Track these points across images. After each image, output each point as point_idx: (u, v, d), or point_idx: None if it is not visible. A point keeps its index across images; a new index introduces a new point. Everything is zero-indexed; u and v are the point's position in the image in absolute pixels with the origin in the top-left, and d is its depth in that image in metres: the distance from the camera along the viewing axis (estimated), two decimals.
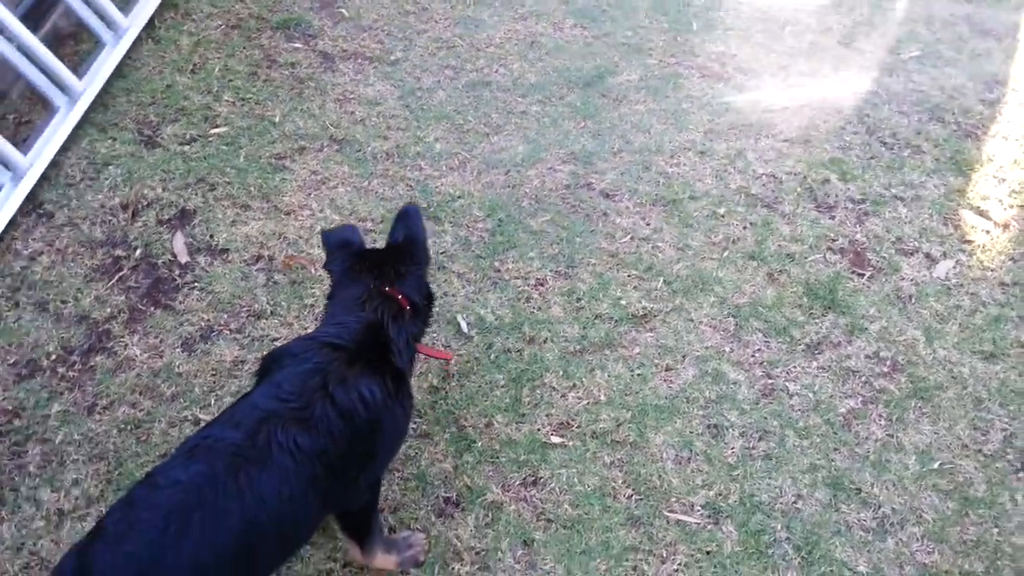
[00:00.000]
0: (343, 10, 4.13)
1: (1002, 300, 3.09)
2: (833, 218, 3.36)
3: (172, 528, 1.63)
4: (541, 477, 2.60)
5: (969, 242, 3.27)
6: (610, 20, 4.19)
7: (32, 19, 3.58)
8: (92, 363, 2.79)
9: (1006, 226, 3.33)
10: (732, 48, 4.08)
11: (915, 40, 4.14)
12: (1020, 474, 2.64)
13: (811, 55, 4.05)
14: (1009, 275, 3.16)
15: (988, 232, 3.31)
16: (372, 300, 2.15)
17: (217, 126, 3.53)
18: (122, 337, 2.86)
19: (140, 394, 2.72)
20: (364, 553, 2.28)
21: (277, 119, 3.58)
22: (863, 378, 2.87)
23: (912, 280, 3.15)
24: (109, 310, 2.92)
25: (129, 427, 2.64)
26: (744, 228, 3.31)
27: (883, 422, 2.77)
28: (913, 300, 3.09)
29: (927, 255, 3.24)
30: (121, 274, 3.03)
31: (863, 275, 3.17)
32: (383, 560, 2.31)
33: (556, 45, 4.03)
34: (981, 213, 3.37)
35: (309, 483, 1.80)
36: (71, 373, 2.76)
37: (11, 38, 3.28)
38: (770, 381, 2.86)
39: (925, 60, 4.03)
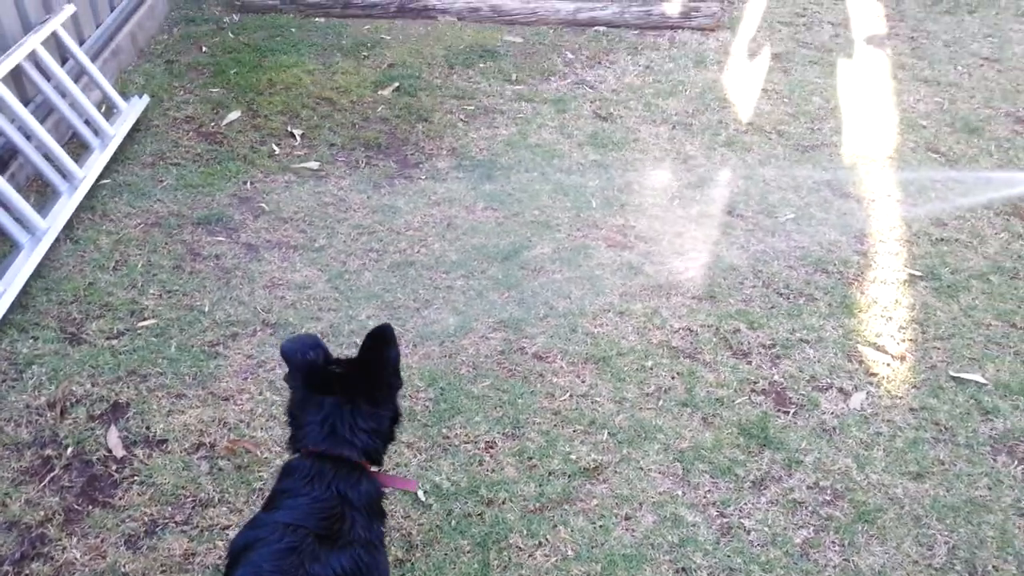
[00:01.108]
0: (263, 204, 4.27)
1: (915, 424, 3.34)
2: (750, 363, 3.59)
3: None
4: None
5: (874, 375, 3.56)
6: (517, 202, 4.49)
7: None
8: (27, 572, 2.58)
9: (903, 358, 3.65)
10: (631, 220, 4.44)
11: (788, 205, 4.63)
12: None
13: (700, 222, 4.45)
14: (916, 401, 3.44)
15: (889, 364, 3.61)
16: (325, 474, 2.12)
17: (145, 319, 3.50)
18: (59, 540, 2.67)
19: None
20: None
21: (207, 308, 3.58)
22: (810, 508, 3.00)
23: (832, 413, 3.38)
24: (42, 513, 2.74)
25: None
26: (672, 378, 3.49)
27: (837, 548, 2.87)
28: (837, 431, 3.30)
29: (840, 389, 3.49)
30: (53, 474, 2.87)
31: (788, 412, 3.38)
32: None
33: (471, 226, 4.28)
34: (879, 348, 3.70)
35: None
36: None
37: None
38: (725, 520, 2.94)
39: (800, 221, 4.50)
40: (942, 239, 4.41)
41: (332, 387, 2.19)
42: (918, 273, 4.15)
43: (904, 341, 3.74)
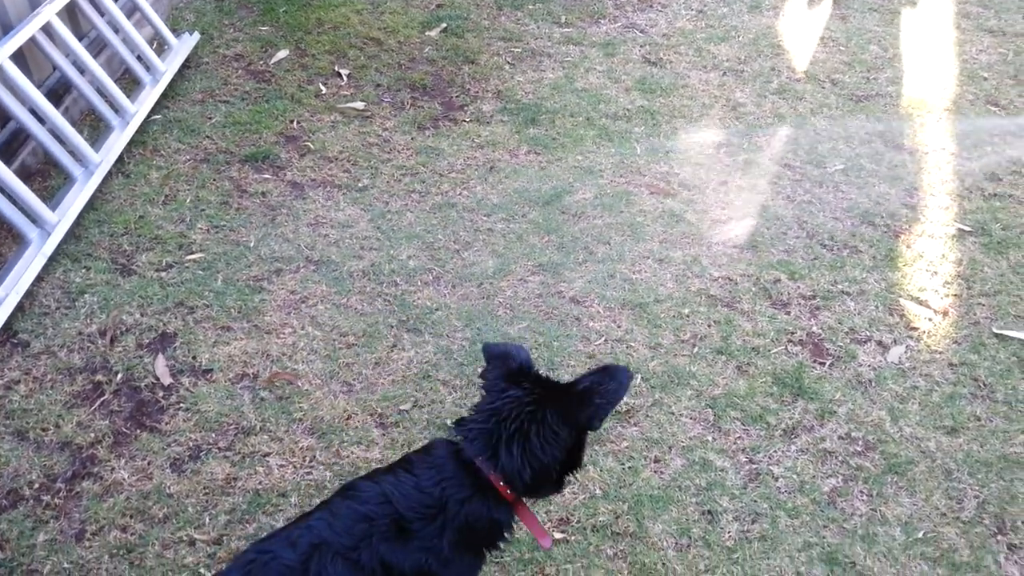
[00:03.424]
0: (308, 143, 4.32)
1: (953, 379, 3.31)
2: (789, 313, 3.58)
3: None
4: (548, 574, 2.60)
5: (915, 329, 3.52)
6: (560, 147, 4.48)
7: (2, 157, 3.63)
8: (78, 489, 2.72)
9: (945, 313, 3.60)
10: (675, 168, 4.40)
11: (838, 155, 4.54)
12: (998, 537, 2.78)
13: (746, 171, 4.40)
14: (956, 356, 3.40)
15: (930, 319, 3.57)
16: (444, 470, 1.98)
17: (192, 252, 3.59)
18: (108, 461, 2.80)
19: (130, 517, 2.65)
20: None
21: (252, 244, 3.67)
22: (840, 458, 3.01)
23: (869, 366, 3.36)
24: (93, 435, 2.87)
25: (121, 552, 2.56)
26: (709, 326, 3.49)
27: (865, 497, 2.89)
28: (873, 384, 3.29)
29: (879, 343, 3.46)
30: (103, 399, 3.00)
31: (824, 363, 3.36)
32: None
33: (513, 169, 4.28)
34: (921, 303, 3.65)
35: None
36: (56, 501, 2.68)
37: None
38: (754, 466, 2.97)
39: (849, 172, 4.42)
40: (995, 194, 4.29)
41: (524, 383, 2.03)
42: (968, 228, 4.06)
43: (948, 296, 3.69)
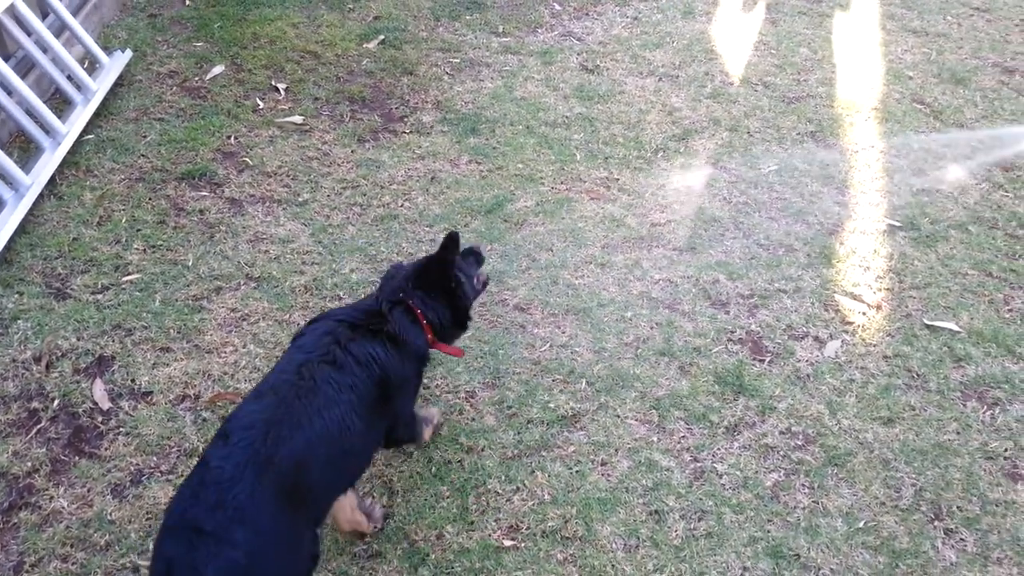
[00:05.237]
0: (246, 159, 4.28)
1: (888, 371, 3.41)
2: (728, 313, 3.64)
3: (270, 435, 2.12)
4: None
5: (850, 323, 3.62)
6: (501, 156, 4.50)
7: None
8: (15, 520, 2.66)
9: (878, 307, 3.70)
10: (614, 173, 4.45)
11: (772, 156, 4.65)
12: (935, 523, 2.86)
13: (684, 174, 4.47)
14: (889, 349, 3.50)
15: (864, 313, 3.67)
16: (384, 290, 2.70)
17: (129, 274, 3.54)
18: (46, 490, 2.74)
19: (71, 547, 2.60)
20: (419, 444, 2.94)
21: (190, 263, 3.62)
22: (781, 452, 3.08)
23: (807, 361, 3.44)
24: (30, 464, 2.81)
25: None
26: (651, 328, 3.54)
27: (807, 490, 2.95)
28: (811, 379, 3.37)
29: (816, 338, 3.55)
30: (39, 426, 2.93)
31: (763, 360, 3.44)
32: (427, 433, 2.91)
33: (455, 180, 4.30)
34: (855, 298, 3.75)
35: (351, 408, 2.30)
36: None
37: None
38: (699, 464, 3.02)
39: (783, 172, 4.52)
40: (923, 189, 4.43)
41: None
42: (897, 223, 4.18)
43: (880, 290, 3.79)
